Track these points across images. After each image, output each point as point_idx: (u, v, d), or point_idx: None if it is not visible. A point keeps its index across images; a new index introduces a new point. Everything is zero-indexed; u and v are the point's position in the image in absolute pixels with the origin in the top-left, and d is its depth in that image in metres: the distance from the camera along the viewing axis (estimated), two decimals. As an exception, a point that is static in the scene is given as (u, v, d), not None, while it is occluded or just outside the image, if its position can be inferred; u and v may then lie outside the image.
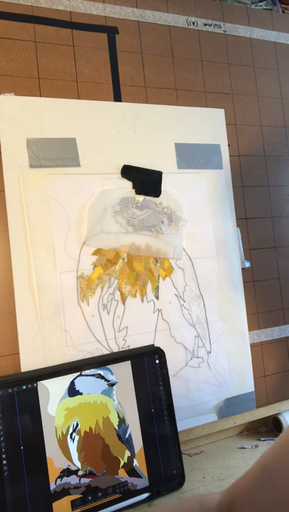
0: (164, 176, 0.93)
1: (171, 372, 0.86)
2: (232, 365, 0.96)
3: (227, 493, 0.44)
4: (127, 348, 0.86)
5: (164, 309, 0.91)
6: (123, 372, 0.78)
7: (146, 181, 0.91)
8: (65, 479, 0.70)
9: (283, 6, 1.20)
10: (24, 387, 0.70)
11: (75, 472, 0.71)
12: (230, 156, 1.02)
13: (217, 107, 1.02)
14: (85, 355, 0.82)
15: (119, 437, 0.75)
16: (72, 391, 0.74)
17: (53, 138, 0.84)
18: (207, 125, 1.00)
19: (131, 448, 0.76)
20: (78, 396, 0.74)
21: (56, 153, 0.84)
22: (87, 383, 0.75)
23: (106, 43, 0.93)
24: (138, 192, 0.90)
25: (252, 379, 0.98)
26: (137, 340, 0.87)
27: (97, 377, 0.76)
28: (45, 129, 0.84)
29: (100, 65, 0.91)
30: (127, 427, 0.76)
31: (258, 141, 1.07)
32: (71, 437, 0.72)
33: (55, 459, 0.70)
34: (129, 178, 0.90)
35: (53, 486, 0.69)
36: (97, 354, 0.83)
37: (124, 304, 0.87)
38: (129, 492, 0.73)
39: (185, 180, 0.95)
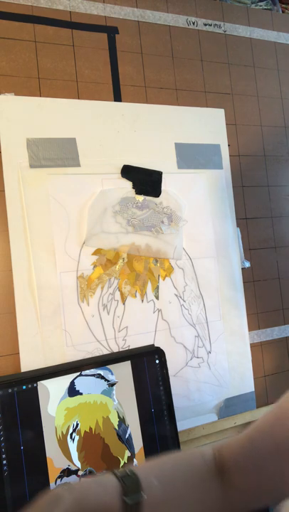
0: (164, 176, 0.93)
1: (171, 372, 0.86)
2: (232, 365, 0.96)
3: (218, 451, 0.48)
4: (127, 348, 0.86)
5: (164, 309, 0.91)
6: (123, 372, 0.78)
7: (146, 181, 0.91)
8: (65, 479, 0.70)
9: (283, 6, 1.20)
10: (24, 387, 0.70)
11: (75, 472, 0.71)
12: (230, 156, 1.02)
13: (217, 107, 1.02)
14: (85, 355, 0.82)
15: (119, 437, 0.75)
16: (72, 391, 0.74)
17: (53, 138, 0.84)
18: (207, 125, 1.00)
19: (131, 448, 0.76)
20: (78, 396, 0.74)
21: (56, 153, 0.84)
22: (87, 383, 0.75)
23: (106, 43, 0.93)
24: (138, 192, 0.90)
25: (252, 379, 0.98)
26: (137, 340, 0.87)
27: (97, 377, 0.76)
28: (45, 129, 0.84)
29: (100, 65, 0.91)
30: (127, 427, 0.76)
31: (258, 141, 1.07)
32: (71, 437, 0.72)
33: (55, 459, 0.70)
34: (129, 178, 0.90)
35: (53, 486, 0.69)
36: (97, 354, 0.83)
37: (124, 304, 0.87)
38: (129, 492, 0.73)
39: (185, 180, 0.95)
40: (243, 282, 1.00)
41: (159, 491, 0.42)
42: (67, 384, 0.74)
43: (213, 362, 0.94)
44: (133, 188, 0.90)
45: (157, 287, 0.90)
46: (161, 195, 0.92)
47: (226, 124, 1.03)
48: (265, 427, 0.46)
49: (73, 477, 0.70)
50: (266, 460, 0.44)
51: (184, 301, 0.93)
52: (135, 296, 0.88)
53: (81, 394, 0.74)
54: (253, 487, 0.45)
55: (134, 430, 0.77)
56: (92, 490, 0.40)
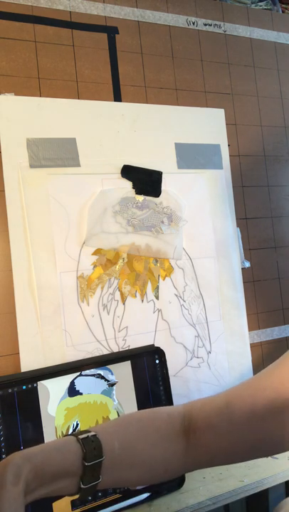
0: (164, 176, 0.93)
1: (171, 372, 0.86)
2: (232, 365, 0.96)
3: (188, 411, 0.50)
4: (127, 348, 0.86)
5: (164, 309, 0.91)
6: (123, 372, 0.78)
7: (146, 181, 0.91)
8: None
9: (283, 6, 1.20)
10: (24, 387, 0.70)
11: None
12: (230, 156, 1.02)
13: (217, 107, 1.02)
14: (85, 355, 0.82)
15: (119, 437, 0.75)
16: (72, 391, 0.74)
17: (53, 138, 0.84)
18: (207, 125, 1.00)
19: (131, 448, 0.75)
20: (78, 396, 0.74)
21: (56, 153, 0.84)
22: (87, 383, 0.75)
23: (106, 43, 0.93)
24: (138, 192, 0.90)
25: (252, 379, 0.98)
26: (137, 340, 0.87)
27: (97, 377, 0.76)
28: (45, 129, 0.84)
29: (100, 65, 0.91)
30: (127, 427, 0.76)
31: (258, 141, 1.07)
32: (71, 437, 0.72)
33: (55, 459, 0.70)
34: (129, 178, 0.90)
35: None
36: (97, 354, 0.83)
37: (124, 304, 0.87)
38: (129, 492, 0.73)
39: (185, 180, 0.95)
40: (243, 282, 1.00)
41: (120, 454, 0.45)
42: (67, 384, 0.74)
43: (213, 362, 0.94)
44: (133, 188, 0.90)
45: (157, 287, 0.90)
46: (161, 195, 0.92)
47: (226, 124, 1.03)
48: (244, 393, 0.49)
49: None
50: (240, 424, 0.47)
51: (184, 301, 0.93)
52: (135, 296, 0.88)
53: (81, 394, 0.74)
54: (222, 447, 0.48)
55: (134, 430, 0.76)
56: (52, 457, 0.41)
